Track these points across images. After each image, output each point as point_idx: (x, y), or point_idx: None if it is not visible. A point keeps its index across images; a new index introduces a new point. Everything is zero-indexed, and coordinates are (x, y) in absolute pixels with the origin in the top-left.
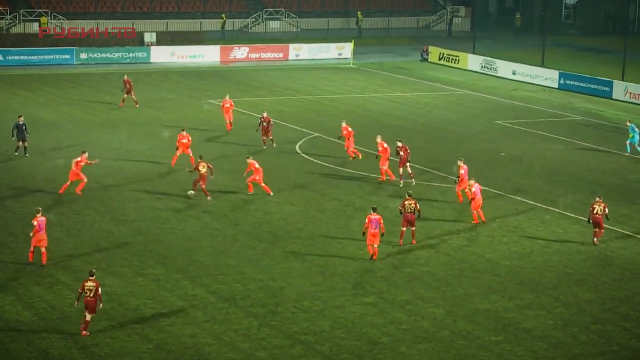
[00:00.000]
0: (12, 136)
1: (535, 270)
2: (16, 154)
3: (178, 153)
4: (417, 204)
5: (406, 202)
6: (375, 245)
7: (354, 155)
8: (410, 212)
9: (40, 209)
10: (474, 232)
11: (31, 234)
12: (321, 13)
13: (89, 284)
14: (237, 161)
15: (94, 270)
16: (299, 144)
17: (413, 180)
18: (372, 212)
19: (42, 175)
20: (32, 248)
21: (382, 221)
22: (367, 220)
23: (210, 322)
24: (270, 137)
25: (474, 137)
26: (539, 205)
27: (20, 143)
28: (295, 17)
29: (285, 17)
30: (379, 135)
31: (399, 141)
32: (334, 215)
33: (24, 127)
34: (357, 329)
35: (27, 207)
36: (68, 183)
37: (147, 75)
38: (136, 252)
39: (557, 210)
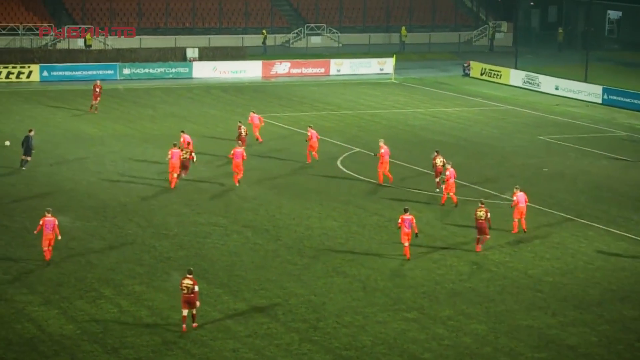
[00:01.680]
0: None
1: (578, 287)
2: (23, 169)
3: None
4: (488, 212)
5: (478, 211)
6: (406, 244)
7: (310, 160)
8: (482, 219)
9: (50, 209)
10: (516, 248)
11: (35, 232)
12: (363, 28)
13: (187, 281)
14: (278, 174)
15: (191, 269)
16: (340, 159)
17: (437, 189)
18: (404, 212)
19: (84, 189)
20: (45, 248)
21: (414, 221)
22: (400, 220)
23: (251, 337)
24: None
25: (516, 153)
26: (582, 221)
27: (25, 156)
28: (337, 32)
29: (326, 33)
30: (382, 139)
31: (436, 151)
32: (375, 230)
33: (28, 140)
34: (398, 344)
35: (71, 221)
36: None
37: (189, 90)
38: (178, 266)
39: (600, 226)
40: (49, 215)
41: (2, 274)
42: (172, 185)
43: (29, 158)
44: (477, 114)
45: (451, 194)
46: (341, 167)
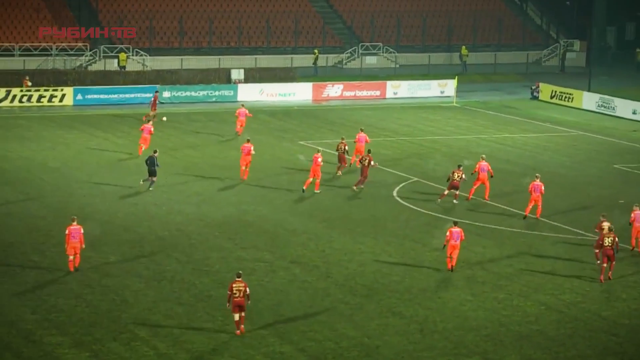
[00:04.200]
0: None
1: None
2: (141, 182)
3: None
4: (617, 239)
5: (605, 237)
6: (454, 257)
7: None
8: (610, 246)
9: (76, 217)
10: (588, 288)
11: (66, 247)
12: (422, 47)
13: (238, 285)
14: (329, 206)
15: (241, 272)
16: (396, 189)
17: (455, 200)
18: (453, 225)
19: (120, 222)
20: (70, 257)
21: (463, 233)
22: (448, 233)
23: None
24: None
25: (588, 183)
26: None
27: (150, 177)
28: (394, 52)
29: (383, 52)
30: (483, 155)
31: (459, 166)
32: (434, 267)
33: (152, 160)
34: None
35: (105, 256)
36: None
37: (234, 115)
38: (220, 306)
39: None
40: (75, 223)
41: (30, 313)
42: (305, 186)
43: (154, 179)
44: (546, 141)
45: (530, 205)
46: (397, 198)
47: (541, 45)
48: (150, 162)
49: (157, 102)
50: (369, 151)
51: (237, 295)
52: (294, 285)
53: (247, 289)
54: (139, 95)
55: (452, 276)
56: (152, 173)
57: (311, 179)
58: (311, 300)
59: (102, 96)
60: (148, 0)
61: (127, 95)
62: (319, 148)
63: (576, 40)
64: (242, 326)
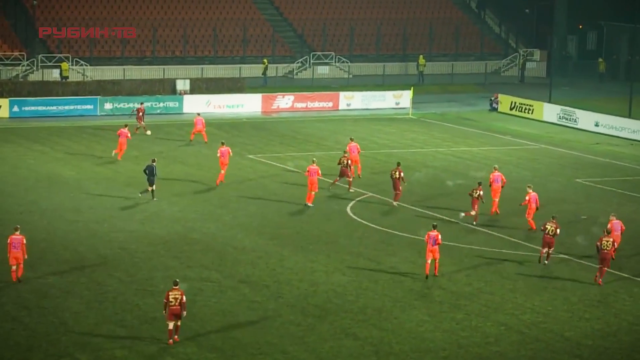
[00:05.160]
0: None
1: (622, 351)
2: (140, 195)
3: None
4: (615, 244)
5: (604, 240)
6: (429, 261)
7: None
8: (607, 250)
9: (19, 227)
10: (550, 307)
11: (10, 262)
12: (376, 57)
13: (174, 293)
14: (280, 223)
15: (177, 280)
16: (350, 205)
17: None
18: (432, 229)
19: (59, 240)
20: (12, 267)
21: (439, 237)
22: (426, 236)
23: None
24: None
25: (550, 198)
26: (626, 275)
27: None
28: (347, 62)
29: (335, 62)
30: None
31: (480, 183)
32: (390, 286)
33: (152, 169)
34: None
35: (44, 276)
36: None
37: (180, 128)
38: (165, 328)
39: None
40: (17, 233)
41: None
42: (310, 202)
43: (153, 187)
44: (505, 154)
45: (529, 218)
46: (351, 215)
47: (500, 54)
48: (150, 171)
49: (142, 113)
50: (398, 164)
51: (173, 303)
52: (243, 306)
53: (184, 298)
54: (78, 106)
55: (407, 296)
56: (151, 182)
57: (313, 192)
58: (261, 322)
59: (40, 108)
60: (88, 8)
61: (66, 107)
62: (314, 159)
63: (536, 50)
64: (176, 336)
